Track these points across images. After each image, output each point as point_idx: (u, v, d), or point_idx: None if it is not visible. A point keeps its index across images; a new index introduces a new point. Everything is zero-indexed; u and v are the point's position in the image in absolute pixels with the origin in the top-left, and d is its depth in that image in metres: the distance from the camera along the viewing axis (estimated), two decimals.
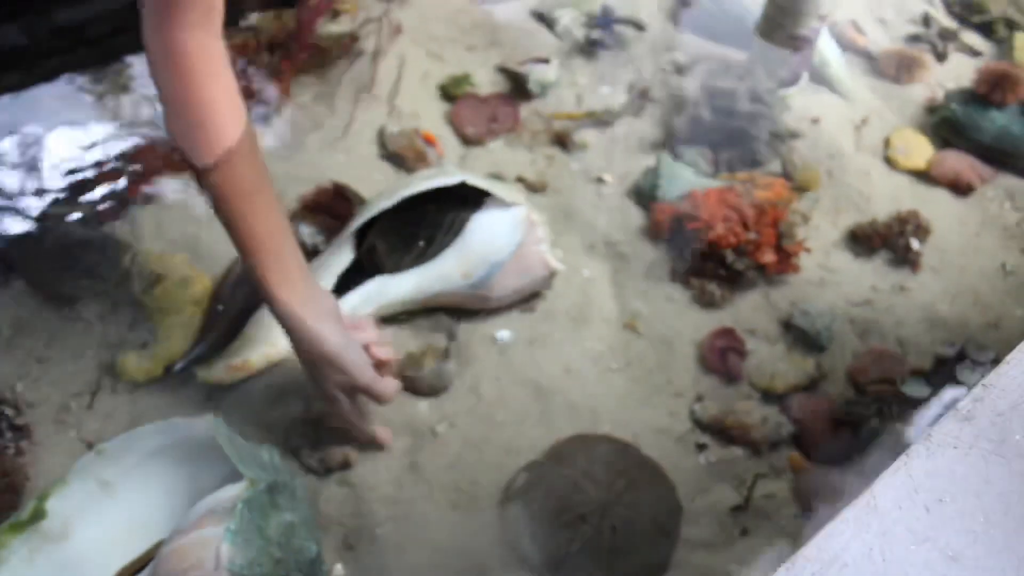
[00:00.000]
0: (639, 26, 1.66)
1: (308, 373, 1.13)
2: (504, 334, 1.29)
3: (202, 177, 1.02)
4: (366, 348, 1.11)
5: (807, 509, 1.16)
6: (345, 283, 1.26)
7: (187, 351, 1.23)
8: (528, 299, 1.30)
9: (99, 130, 1.45)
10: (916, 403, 1.21)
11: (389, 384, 1.13)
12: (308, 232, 1.31)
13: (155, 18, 0.96)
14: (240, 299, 1.28)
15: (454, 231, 1.25)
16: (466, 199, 1.26)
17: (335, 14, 1.59)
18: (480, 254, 1.23)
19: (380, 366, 1.13)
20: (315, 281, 1.12)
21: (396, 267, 1.25)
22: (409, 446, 1.19)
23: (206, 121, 0.99)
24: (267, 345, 1.23)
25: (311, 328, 1.07)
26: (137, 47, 0.99)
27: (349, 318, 1.14)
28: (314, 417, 1.19)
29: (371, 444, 1.17)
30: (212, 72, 0.99)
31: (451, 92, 1.53)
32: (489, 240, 1.24)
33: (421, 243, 1.26)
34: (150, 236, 1.35)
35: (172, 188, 1.40)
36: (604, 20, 1.64)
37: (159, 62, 0.98)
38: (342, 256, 1.27)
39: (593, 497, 1.11)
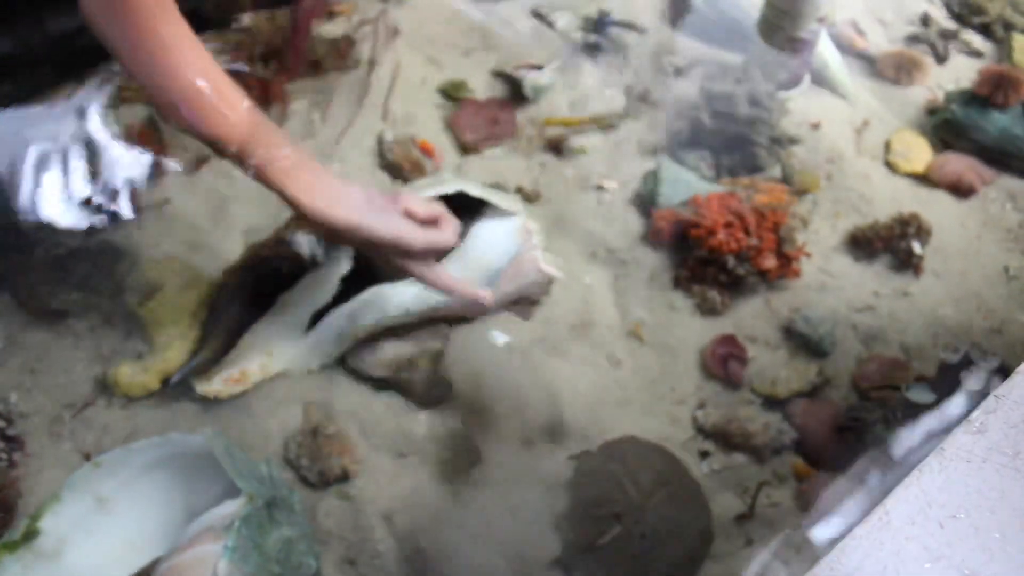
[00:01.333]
0: (637, 29, 1.65)
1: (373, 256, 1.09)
2: (501, 337, 1.27)
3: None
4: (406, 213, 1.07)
5: (811, 516, 1.15)
6: (345, 292, 1.25)
7: (184, 363, 1.21)
8: (526, 306, 1.29)
9: (92, 138, 1.44)
10: (920, 409, 1.20)
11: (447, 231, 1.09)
12: (305, 241, 1.29)
13: None
14: (237, 309, 1.26)
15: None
16: (464, 208, 1.25)
17: (330, 15, 1.57)
18: (478, 263, 1.22)
19: (432, 222, 1.09)
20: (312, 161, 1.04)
21: (394, 276, 1.24)
22: (409, 460, 1.17)
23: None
24: (265, 355, 1.22)
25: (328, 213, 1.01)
26: None
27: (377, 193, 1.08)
28: (312, 427, 1.18)
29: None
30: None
31: (450, 96, 1.52)
32: (487, 249, 1.23)
33: None
34: (147, 244, 1.33)
35: (168, 192, 1.39)
36: (601, 23, 1.63)
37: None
38: (340, 264, 1.25)
39: (633, 498, 1.11)
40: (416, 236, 1.07)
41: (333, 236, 1.10)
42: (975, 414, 0.70)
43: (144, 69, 0.96)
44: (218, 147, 1.00)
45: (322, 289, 1.24)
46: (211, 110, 0.97)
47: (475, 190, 1.25)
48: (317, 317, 1.24)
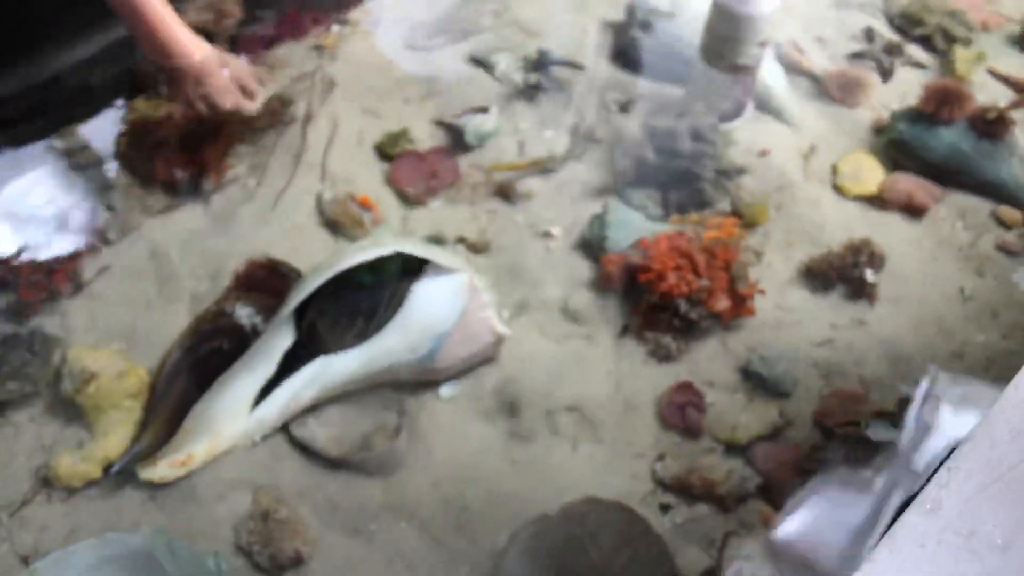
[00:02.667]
0: (578, 67, 1.62)
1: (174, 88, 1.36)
2: (448, 390, 1.24)
3: None
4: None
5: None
6: (289, 364, 1.21)
7: (126, 449, 1.17)
8: (476, 366, 1.26)
9: (25, 210, 1.40)
10: (880, 447, 1.17)
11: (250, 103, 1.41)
12: (246, 313, 1.26)
13: None
14: (179, 389, 1.22)
15: (395, 304, 1.20)
16: (405, 268, 1.22)
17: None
18: (424, 326, 1.19)
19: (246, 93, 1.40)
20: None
21: (339, 345, 1.20)
22: (364, 536, 1.14)
23: None
24: (210, 436, 1.18)
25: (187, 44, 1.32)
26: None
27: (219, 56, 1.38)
28: (263, 512, 1.14)
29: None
30: None
31: (388, 151, 1.48)
32: (432, 311, 1.19)
33: (362, 319, 1.21)
34: (82, 328, 1.29)
35: (102, 272, 1.34)
36: (542, 63, 1.60)
37: None
38: (283, 337, 1.21)
39: (595, 562, 1.08)
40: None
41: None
42: (928, 490, 0.67)
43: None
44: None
45: (265, 363, 1.20)
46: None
47: (415, 249, 1.21)
48: (262, 392, 1.20)
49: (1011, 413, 0.71)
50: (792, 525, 1.10)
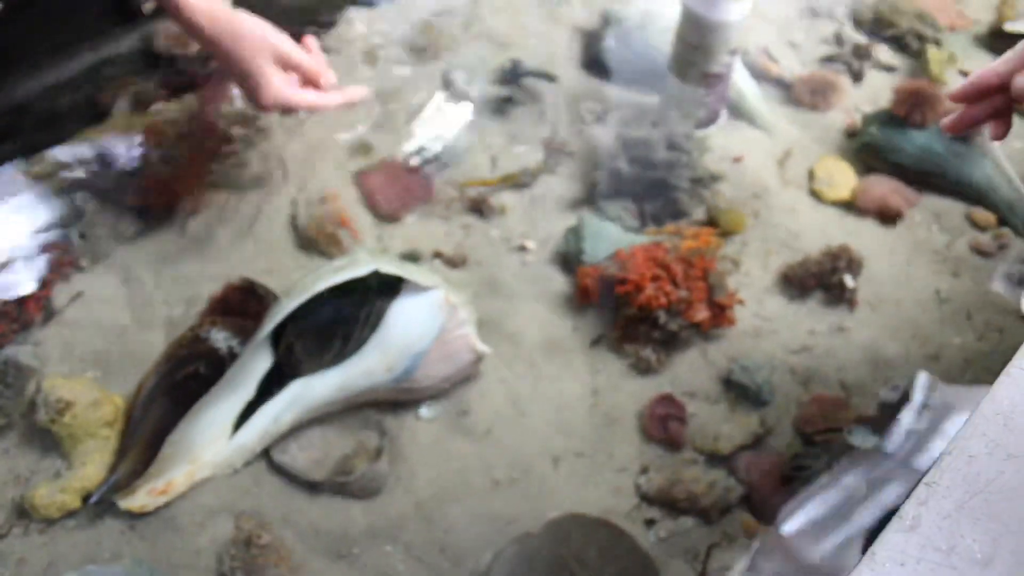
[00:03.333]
0: (550, 78, 1.62)
1: (233, 64, 1.24)
2: (427, 411, 1.24)
3: None
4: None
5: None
6: (267, 387, 1.20)
7: (104, 479, 1.16)
8: (457, 384, 1.25)
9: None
10: (862, 453, 1.18)
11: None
12: (222, 337, 1.24)
13: None
14: (157, 415, 1.21)
15: (372, 323, 1.19)
16: (381, 287, 1.21)
17: (233, 93, 1.53)
18: (401, 345, 1.18)
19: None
20: None
21: (316, 366, 1.20)
22: (348, 558, 1.13)
23: None
24: (189, 463, 1.17)
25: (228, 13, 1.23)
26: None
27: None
28: (245, 538, 1.13)
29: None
30: None
31: (362, 168, 1.47)
32: (408, 330, 1.19)
33: (339, 340, 1.20)
34: (56, 357, 1.27)
35: (75, 299, 1.33)
36: (514, 74, 1.60)
37: None
38: (260, 360, 1.21)
39: None
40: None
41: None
42: (906, 507, 0.67)
43: None
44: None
45: (243, 388, 1.19)
46: None
47: (390, 267, 1.21)
48: (241, 416, 1.19)
49: (987, 427, 0.72)
50: (797, 521, 1.11)
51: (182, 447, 1.17)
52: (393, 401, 1.23)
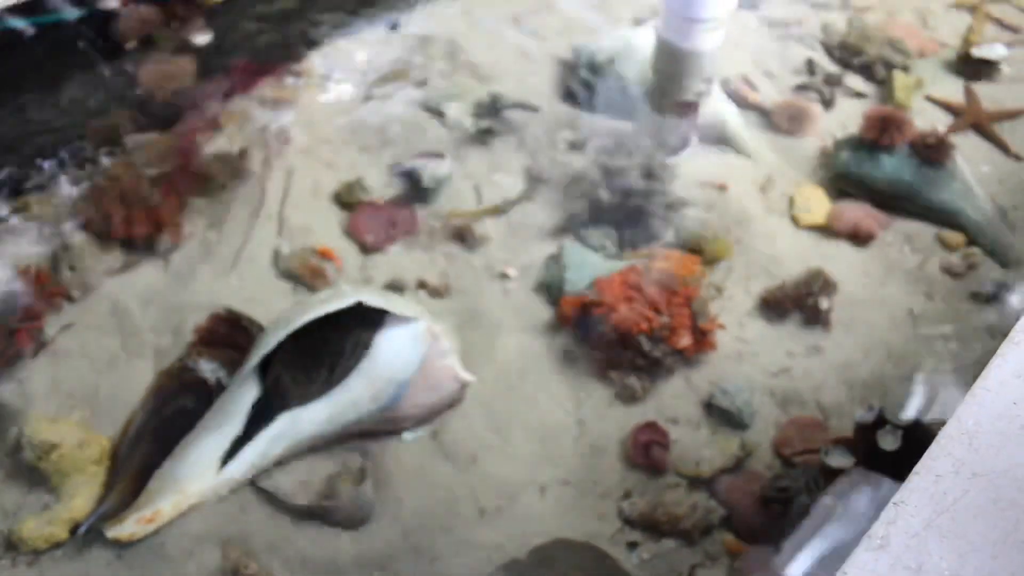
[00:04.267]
0: (531, 108, 1.65)
1: None
2: (410, 435, 1.26)
3: None
4: None
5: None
6: (255, 418, 1.21)
7: (93, 509, 1.17)
8: (441, 412, 1.27)
9: None
10: (839, 474, 1.20)
11: None
12: (209, 368, 1.26)
13: None
14: (145, 448, 1.22)
15: (357, 354, 1.21)
16: (365, 318, 1.23)
17: (217, 128, 1.55)
18: (386, 375, 1.20)
19: None
20: None
21: (304, 397, 1.21)
22: None
23: None
24: (177, 493, 1.18)
25: None
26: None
27: None
28: (232, 567, 1.14)
29: None
30: None
31: (345, 200, 1.50)
32: (393, 359, 1.21)
33: (325, 370, 1.22)
34: (42, 393, 1.28)
35: (64, 330, 1.34)
36: (494, 107, 1.63)
37: None
38: (247, 392, 1.22)
39: None
40: None
41: None
42: (876, 527, 0.70)
43: None
44: None
45: (231, 421, 1.21)
46: None
47: (374, 299, 1.23)
48: (229, 450, 1.20)
49: (953, 447, 0.74)
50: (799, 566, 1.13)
51: (169, 480, 1.18)
52: (379, 431, 1.24)
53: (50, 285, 1.36)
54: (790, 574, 1.13)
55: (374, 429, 1.24)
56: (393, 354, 1.21)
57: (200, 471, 1.19)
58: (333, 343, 1.21)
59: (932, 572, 0.67)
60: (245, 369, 1.21)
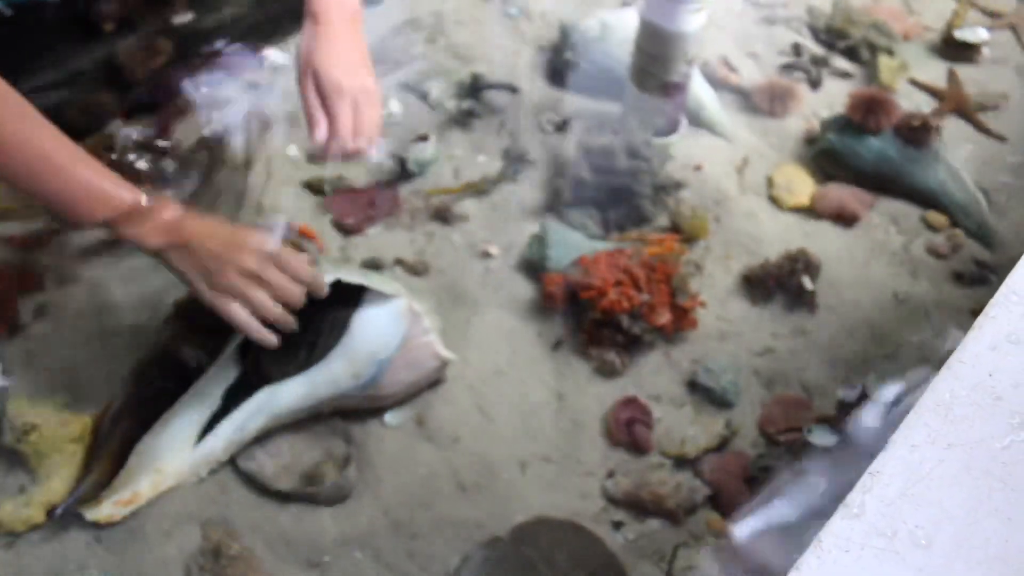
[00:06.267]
0: (513, 89, 1.64)
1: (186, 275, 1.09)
2: (393, 418, 1.25)
3: None
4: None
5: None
6: (235, 398, 1.21)
7: (70, 491, 1.16)
8: (422, 391, 1.26)
9: None
10: (823, 452, 1.20)
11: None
12: (192, 355, 1.25)
13: None
14: (122, 431, 1.21)
15: (336, 332, 1.21)
16: (345, 296, 1.23)
17: (194, 110, 1.54)
18: (366, 353, 1.20)
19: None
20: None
21: (283, 375, 1.21)
22: (320, 567, 1.13)
23: None
24: (155, 473, 1.17)
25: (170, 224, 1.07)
26: None
27: None
28: (213, 548, 1.13)
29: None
30: None
31: (325, 185, 1.49)
32: (373, 337, 1.20)
33: (304, 349, 1.21)
34: (19, 374, 1.27)
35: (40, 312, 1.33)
36: (475, 87, 1.62)
37: None
38: (227, 372, 1.22)
39: None
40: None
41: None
42: (851, 496, 0.69)
43: (28, 178, 1.01)
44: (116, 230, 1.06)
45: (209, 398, 1.20)
46: (104, 195, 1.03)
47: (353, 277, 1.22)
48: (207, 426, 1.20)
49: (929, 417, 0.74)
50: (749, 526, 1.13)
51: (147, 458, 1.18)
52: (359, 409, 1.24)
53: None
54: (738, 533, 1.14)
55: (354, 407, 1.23)
56: (374, 332, 1.20)
57: (178, 447, 1.18)
58: (312, 322, 1.20)
59: (907, 539, 0.67)
60: (227, 351, 1.21)
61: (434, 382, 1.27)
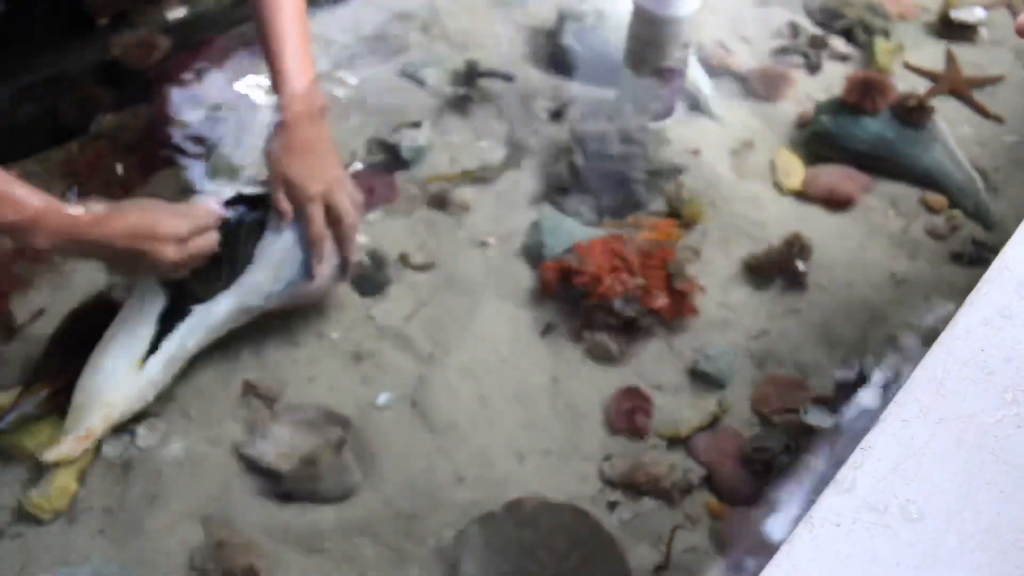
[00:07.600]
0: (507, 77, 1.64)
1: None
2: (383, 397, 1.27)
3: None
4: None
5: (727, 556, 1.15)
6: (169, 322, 1.22)
7: (13, 404, 1.19)
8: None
9: None
10: (820, 433, 1.20)
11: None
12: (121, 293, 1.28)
13: None
14: (57, 361, 1.24)
15: (252, 241, 1.26)
16: (252, 207, 1.28)
17: (188, 104, 1.54)
18: (281, 252, 1.25)
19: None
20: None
21: (211, 293, 1.24)
22: (321, 553, 1.14)
23: None
24: (104, 407, 1.19)
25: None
26: None
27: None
28: (217, 542, 1.14)
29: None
30: None
31: None
32: (285, 239, 1.25)
33: (227, 264, 1.25)
34: None
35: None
36: (471, 74, 1.62)
37: None
38: (154, 300, 1.23)
39: (547, 566, 1.09)
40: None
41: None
42: (843, 471, 0.70)
43: None
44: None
45: (142, 325, 1.22)
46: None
47: (251, 190, 1.29)
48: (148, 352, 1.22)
49: (920, 392, 0.74)
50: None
51: (91, 392, 1.19)
52: (292, 307, 1.30)
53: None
54: (771, 532, 1.14)
55: (286, 306, 1.29)
56: (283, 234, 1.26)
57: (121, 377, 1.19)
58: (227, 238, 1.24)
59: (898, 513, 0.67)
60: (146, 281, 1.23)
61: (358, 267, 1.34)
